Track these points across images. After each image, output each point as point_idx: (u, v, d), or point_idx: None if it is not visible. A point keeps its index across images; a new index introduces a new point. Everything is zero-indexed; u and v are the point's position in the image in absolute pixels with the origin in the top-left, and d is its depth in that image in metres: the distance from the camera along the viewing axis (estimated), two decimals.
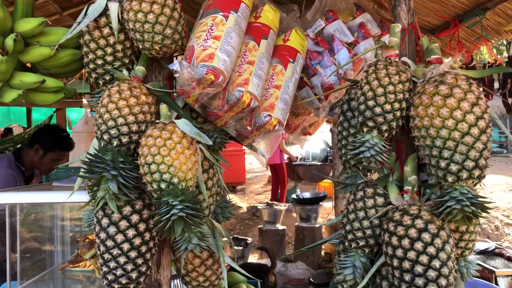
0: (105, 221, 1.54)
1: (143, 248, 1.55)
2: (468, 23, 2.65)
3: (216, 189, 1.74)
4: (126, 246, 1.52)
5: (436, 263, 1.35)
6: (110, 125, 1.52)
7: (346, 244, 1.61)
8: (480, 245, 4.47)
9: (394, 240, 1.42)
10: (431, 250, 1.37)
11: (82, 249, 2.30)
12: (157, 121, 1.58)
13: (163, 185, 1.42)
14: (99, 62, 1.65)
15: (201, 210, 1.53)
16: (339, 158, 1.76)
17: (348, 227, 1.60)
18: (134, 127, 1.54)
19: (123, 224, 1.53)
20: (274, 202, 7.13)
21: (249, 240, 5.77)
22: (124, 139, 1.52)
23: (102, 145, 1.54)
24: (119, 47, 1.65)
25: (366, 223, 1.55)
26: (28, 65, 1.85)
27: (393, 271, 1.43)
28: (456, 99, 1.39)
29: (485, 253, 4.38)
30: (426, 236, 1.38)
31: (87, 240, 2.32)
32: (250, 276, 2.09)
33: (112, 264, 1.52)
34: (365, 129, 1.52)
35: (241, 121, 1.73)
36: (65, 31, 1.74)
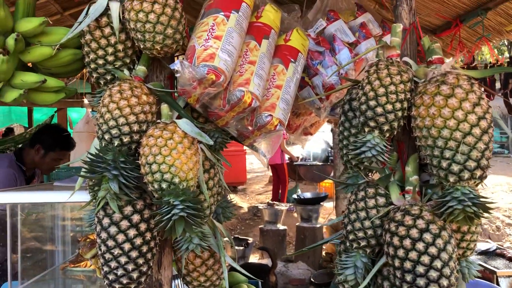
0: (106, 221, 1.54)
1: (144, 248, 1.55)
2: (469, 23, 2.64)
3: (217, 189, 1.74)
4: (127, 246, 1.52)
5: (437, 264, 1.35)
6: (111, 125, 1.51)
7: (348, 244, 1.61)
8: (481, 246, 4.46)
9: (396, 240, 1.42)
10: (432, 250, 1.36)
11: (83, 249, 2.30)
12: (158, 121, 1.58)
13: (164, 185, 1.42)
14: (100, 61, 1.65)
15: (202, 210, 1.53)
16: (340, 158, 1.76)
17: (349, 227, 1.59)
18: (135, 127, 1.53)
19: (124, 224, 1.53)
20: (275, 202, 7.13)
21: (250, 240, 5.77)
22: (125, 139, 1.52)
23: (103, 144, 1.54)
24: (120, 46, 1.65)
25: (367, 223, 1.55)
26: (29, 64, 1.85)
27: (394, 271, 1.43)
28: (457, 99, 1.39)
29: (486, 254, 4.37)
30: (427, 236, 1.38)
31: (88, 240, 2.32)
32: (251, 276, 2.09)
33: (113, 264, 1.52)
34: (366, 129, 1.52)
35: (242, 121, 1.72)
36: (66, 30, 1.74)
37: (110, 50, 1.64)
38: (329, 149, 11.39)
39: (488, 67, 3.78)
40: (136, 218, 1.55)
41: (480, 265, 3.91)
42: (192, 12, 2.95)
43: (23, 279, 2.48)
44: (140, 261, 1.54)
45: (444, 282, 1.34)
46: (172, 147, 1.45)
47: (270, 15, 1.83)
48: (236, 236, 6.33)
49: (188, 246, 1.63)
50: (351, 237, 1.59)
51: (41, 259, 2.93)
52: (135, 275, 1.53)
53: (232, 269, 2.93)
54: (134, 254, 1.53)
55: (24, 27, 1.70)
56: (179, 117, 1.60)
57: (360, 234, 1.56)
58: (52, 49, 1.71)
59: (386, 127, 1.49)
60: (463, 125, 1.36)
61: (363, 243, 1.56)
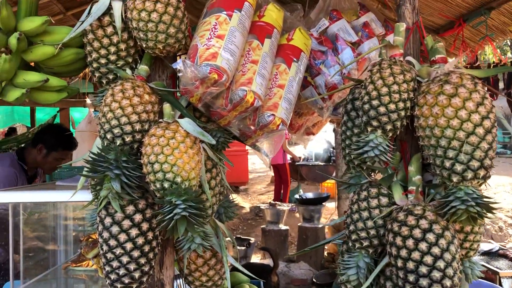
0: (108, 220, 1.54)
1: (146, 248, 1.55)
2: (472, 22, 2.64)
3: (219, 189, 1.74)
4: (129, 246, 1.52)
5: (440, 264, 1.34)
6: (113, 124, 1.51)
7: (350, 244, 1.60)
8: (484, 246, 4.45)
9: (398, 241, 1.41)
10: (435, 250, 1.36)
11: (85, 249, 2.31)
12: (160, 120, 1.58)
13: (166, 184, 1.42)
14: (103, 61, 1.65)
15: (204, 209, 1.52)
16: (342, 158, 1.76)
17: (351, 227, 1.59)
18: (137, 126, 1.53)
19: (126, 223, 1.53)
20: (277, 202, 7.12)
21: (252, 240, 5.77)
22: (127, 138, 1.52)
23: (105, 144, 1.54)
24: (122, 46, 1.65)
25: (370, 223, 1.55)
26: (32, 64, 1.85)
27: (397, 271, 1.42)
28: (461, 98, 1.38)
29: (489, 254, 4.36)
30: (430, 237, 1.37)
31: (90, 239, 2.32)
32: (253, 276, 2.08)
33: (115, 264, 1.52)
34: (369, 129, 1.51)
35: (245, 120, 1.72)
36: (68, 30, 1.74)
37: (112, 49, 1.64)
38: (331, 149, 11.37)
39: (492, 67, 3.77)
40: (138, 217, 1.55)
41: (482, 265, 3.90)
42: (195, 12, 2.95)
43: (25, 279, 2.48)
44: (142, 260, 1.54)
45: (447, 282, 1.34)
46: (174, 147, 1.45)
47: (273, 14, 1.82)
48: (238, 236, 6.33)
49: (190, 246, 1.62)
50: (353, 237, 1.58)
51: (43, 259, 2.93)
52: (137, 274, 1.53)
53: (234, 269, 2.92)
54: (136, 253, 1.52)
55: (26, 26, 1.70)
56: (181, 117, 1.60)
57: (363, 234, 1.56)
58: (54, 48, 1.71)
59: (389, 127, 1.48)
60: (466, 124, 1.36)
61: (365, 243, 1.56)
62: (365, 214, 1.56)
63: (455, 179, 1.37)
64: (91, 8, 1.64)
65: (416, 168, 1.56)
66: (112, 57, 1.65)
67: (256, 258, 6.19)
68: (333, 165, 10.02)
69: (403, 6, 1.72)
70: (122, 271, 1.52)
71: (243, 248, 5.49)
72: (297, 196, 7.52)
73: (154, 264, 1.62)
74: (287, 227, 6.57)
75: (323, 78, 2.09)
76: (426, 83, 1.49)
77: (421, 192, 1.54)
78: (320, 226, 6.27)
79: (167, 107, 1.59)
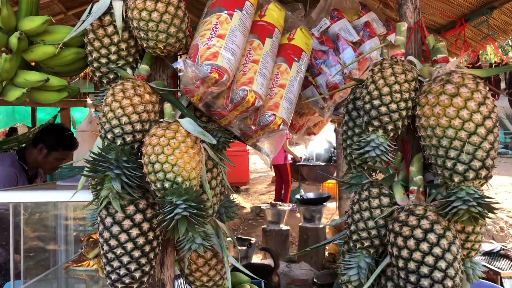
0: (108, 220, 1.54)
1: (147, 248, 1.54)
2: (474, 22, 2.63)
3: (220, 189, 1.73)
4: (129, 246, 1.51)
5: (442, 264, 1.34)
6: (114, 124, 1.51)
7: (351, 244, 1.60)
8: (485, 247, 4.44)
9: (400, 241, 1.41)
10: (437, 251, 1.35)
11: (85, 249, 2.30)
12: (161, 120, 1.57)
13: (166, 184, 1.42)
14: (103, 60, 1.65)
15: (205, 209, 1.52)
16: (343, 158, 1.75)
17: (353, 228, 1.59)
18: (138, 126, 1.53)
19: (127, 223, 1.53)
20: (278, 203, 7.12)
21: (253, 240, 5.77)
22: (128, 138, 1.52)
23: (106, 144, 1.54)
24: (123, 45, 1.64)
25: (371, 223, 1.54)
26: (32, 63, 1.84)
27: (398, 272, 1.42)
28: (462, 98, 1.37)
29: (490, 255, 4.35)
30: (432, 237, 1.37)
31: (90, 239, 2.32)
32: (254, 276, 2.07)
33: (115, 264, 1.52)
34: (370, 129, 1.51)
35: (245, 120, 1.72)
36: (69, 29, 1.73)
37: (113, 49, 1.64)
38: (332, 149, 11.36)
39: (493, 67, 3.76)
40: (138, 217, 1.54)
41: (484, 266, 3.89)
42: (195, 11, 2.95)
43: (26, 279, 2.48)
44: (143, 260, 1.53)
45: (449, 283, 1.33)
46: (175, 146, 1.44)
47: (274, 14, 1.82)
48: (239, 236, 6.33)
49: (191, 246, 1.62)
50: (354, 237, 1.58)
51: (44, 259, 2.93)
52: (137, 274, 1.53)
53: (234, 269, 2.92)
54: (136, 253, 1.52)
55: (27, 26, 1.69)
56: (182, 116, 1.59)
57: (364, 235, 1.55)
58: (55, 48, 1.71)
59: (390, 127, 1.48)
60: (468, 124, 1.35)
61: (366, 244, 1.55)
62: (366, 214, 1.56)
63: (456, 179, 1.37)
64: (91, 7, 1.64)
65: (417, 168, 1.55)
66: (113, 57, 1.64)
67: (257, 258, 6.19)
68: (334, 165, 10.02)
69: (404, 6, 1.72)
70: (122, 271, 1.51)
71: (244, 248, 5.49)
72: (298, 196, 7.52)
73: (155, 264, 1.62)
74: (288, 227, 6.57)
75: (324, 78, 2.09)
76: (427, 83, 1.48)
77: (423, 192, 1.54)
78: (321, 226, 6.27)
79: (167, 106, 1.59)
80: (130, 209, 1.54)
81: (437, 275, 1.34)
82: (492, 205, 1.34)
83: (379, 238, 1.54)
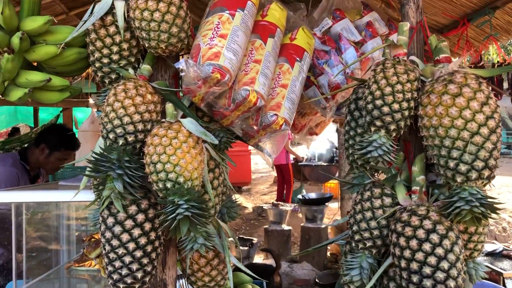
0: (110, 220, 1.54)
1: (149, 248, 1.54)
2: (477, 22, 2.62)
3: (222, 189, 1.73)
4: (131, 246, 1.51)
5: (444, 265, 1.34)
6: (116, 124, 1.51)
7: (353, 244, 1.60)
8: (487, 247, 4.43)
9: (402, 241, 1.41)
10: (439, 251, 1.35)
11: (87, 249, 2.31)
12: (163, 120, 1.57)
13: (168, 184, 1.42)
14: (105, 60, 1.65)
15: (207, 209, 1.52)
16: (345, 158, 1.75)
17: (355, 228, 1.58)
18: (140, 126, 1.53)
19: (129, 223, 1.53)
20: (280, 203, 7.12)
21: (255, 240, 5.76)
22: (130, 138, 1.52)
23: (108, 144, 1.54)
24: (125, 45, 1.64)
25: (373, 223, 1.54)
26: (34, 63, 1.85)
27: (400, 272, 1.41)
28: (465, 98, 1.37)
29: (493, 255, 4.34)
30: (434, 237, 1.36)
31: (92, 239, 2.32)
32: (256, 277, 2.07)
33: (117, 264, 1.52)
34: (372, 129, 1.50)
35: (247, 120, 1.72)
36: (71, 29, 1.74)
37: (115, 49, 1.64)
38: (334, 149, 11.35)
39: (496, 67, 3.75)
40: (140, 217, 1.54)
41: (486, 266, 3.88)
42: (197, 12, 2.95)
43: (28, 278, 2.49)
44: (145, 260, 1.53)
45: (451, 283, 1.33)
46: (177, 147, 1.44)
47: (276, 13, 1.82)
48: (241, 236, 6.33)
49: (193, 246, 1.62)
50: (357, 237, 1.57)
51: (46, 258, 2.93)
52: (139, 274, 1.52)
53: (236, 269, 2.92)
54: (138, 253, 1.52)
55: (29, 26, 1.70)
56: (184, 116, 1.59)
57: (366, 235, 1.55)
58: (57, 48, 1.71)
59: (392, 127, 1.47)
60: (470, 124, 1.35)
61: (369, 244, 1.55)
62: (368, 214, 1.55)
63: (459, 179, 1.36)
64: (93, 7, 1.64)
65: (419, 168, 1.55)
66: (115, 57, 1.64)
67: (258, 259, 6.19)
68: (336, 165, 10.01)
69: (406, 6, 1.72)
70: (124, 271, 1.51)
71: (246, 248, 5.49)
72: (300, 196, 7.51)
73: (157, 264, 1.62)
74: (290, 227, 6.56)
75: (326, 78, 2.09)
76: (430, 83, 1.48)
77: (425, 192, 1.54)
78: (323, 226, 6.27)
79: (169, 106, 1.59)
80: (132, 209, 1.54)
81: (440, 275, 1.33)
82: (494, 205, 1.33)
83: (381, 238, 1.54)
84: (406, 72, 1.49)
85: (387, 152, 1.50)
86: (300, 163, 10.24)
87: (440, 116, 1.39)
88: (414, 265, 1.37)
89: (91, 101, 5.46)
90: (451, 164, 1.37)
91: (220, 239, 1.76)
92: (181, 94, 1.69)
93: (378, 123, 1.48)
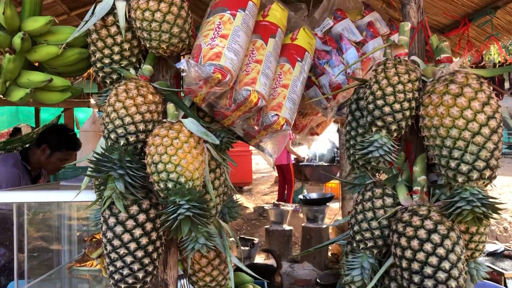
0: (112, 220, 1.54)
1: (150, 248, 1.55)
2: (478, 22, 2.62)
3: (223, 189, 1.73)
4: (132, 246, 1.52)
5: (446, 265, 1.33)
6: (117, 124, 1.51)
7: (354, 245, 1.60)
8: (488, 247, 4.42)
9: (403, 241, 1.40)
10: (440, 251, 1.35)
11: (89, 249, 2.31)
12: (164, 120, 1.57)
13: (170, 185, 1.42)
14: (106, 61, 1.65)
15: (208, 209, 1.52)
16: (346, 159, 1.75)
17: (356, 228, 1.58)
18: (141, 126, 1.53)
19: (130, 223, 1.53)
20: (281, 203, 7.12)
21: (256, 240, 5.76)
22: (131, 138, 1.52)
23: (109, 144, 1.54)
24: (126, 46, 1.65)
25: (374, 223, 1.54)
26: (36, 64, 1.85)
27: (402, 272, 1.41)
28: (466, 98, 1.37)
29: (494, 255, 4.33)
30: (435, 237, 1.36)
31: (94, 239, 2.32)
32: (257, 277, 2.08)
33: (118, 264, 1.52)
34: (373, 129, 1.50)
35: (248, 120, 1.72)
36: (72, 30, 1.74)
37: (116, 49, 1.64)
38: (335, 149, 11.35)
39: (497, 67, 3.75)
40: (142, 217, 1.54)
41: (488, 266, 3.87)
42: (198, 11, 2.95)
43: (30, 278, 2.49)
44: (146, 260, 1.53)
45: (453, 283, 1.32)
46: (178, 147, 1.44)
47: (277, 14, 1.82)
48: (242, 236, 6.33)
49: (194, 246, 1.62)
50: (358, 237, 1.57)
51: (48, 258, 2.94)
52: (140, 274, 1.53)
53: (237, 269, 2.92)
54: (139, 253, 1.52)
55: (30, 26, 1.70)
56: (185, 117, 1.59)
57: (367, 235, 1.55)
58: (58, 48, 1.71)
59: (393, 127, 1.47)
60: (472, 124, 1.35)
61: (370, 244, 1.55)
62: (369, 214, 1.55)
63: (460, 179, 1.36)
64: (95, 8, 1.64)
65: (421, 168, 1.55)
66: (116, 57, 1.65)
67: (259, 259, 6.19)
68: (337, 165, 10.00)
69: (408, 6, 1.71)
70: (126, 271, 1.51)
71: (247, 248, 5.49)
72: (301, 196, 7.51)
73: (158, 264, 1.62)
74: (291, 228, 6.56)
75: (328, 78, 2.09)
76: (431, 83, 1.48)
77: (426, 192, 1.53)
78: (324, 226, 6.27)
79: (170, 107, 1.59)
80: (133, 209, 1.54)
81: (441, 275, 1.33)
82: (496, 205, 1.33)
83: (382, 238, 1.54)
84: (407, 72, 1.49)
85: (388, 152, 1.50)
86: (301, 163, 10.24)
87: (441, 116, 1.39)
88: (416, 265, 1.37)
89: (92, 101, 5.47)
90: (452, 164, 1.37)
91: (221, 239, 1.76)
92: (182, 94, 1.70)
93: (379, 123, 1.48)
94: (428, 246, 1.36)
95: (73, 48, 1.77)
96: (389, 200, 1.55)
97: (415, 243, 1.38)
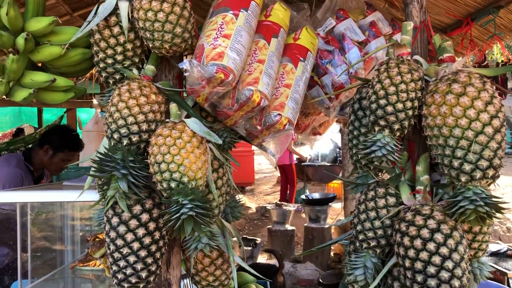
0: (115, 220, 1.54)
1: (153, 247, 1.55)
2: (481, 21, 2.61)
3: (225, 189, 1.74)
4: (136, 245, 1.52)
5: (449, 264, 1.33)
6: (120, 124, 1.52)
7: (357, 244, 1.60)
8: (492, 247, 4.41)
9: (406, 241, 1.40)
10: (444, 250, 1.35)
11: (92, 248, 2.31)
12: (167, 120, 1.58)
13: (173, 184, 1.42)
14: (109, 61, 1.65)
15: (211, 209, 1.52)
16: (349, 158, 1.75)
17: (359, 227, 1.58)
18: (144, 126, 1.53)
19: (133, 223, 1.53)
20: (283, 203, 7.11)
21: (258, 240, 5.76)
22: (134, 138, 1.52)
23: (112, 144, 1.54)
24: (129, 46, 1.65)
25: (377, 223, 1.54)
26: (39, 64, 1.85)
27: (405, 271, 1.41)
28: (469, 97, 1.37)
29: (497, 255, 4.32)
30: (438, 237, 1.36)
31: (97, 239, 2.33)
32: (260, 276, 2.08)
33: (121, 263, 1.52)
34: (376, 128, 1.50)
35: (251, 120, 1.72)
36: (75, 30, 1.74)
37: (119, 49, 1.64)
38: (338, 149, 11.33)
39: (500, 66, 3.74)
40: (145, 217, 1.55)
41: (491, 266, 3.86)
42: (201, 12, 2.95)
43: (33, 278, 2.49)
44: (149, 260, 1.54)
45: (456, 283, 1.32)
46: (181, 146, 1.45)
47: (279, 13, 1.82)
48: (244, 236, 6.33)
49: (197, 246, 1.62)
50: (361, 237, 1.57)
51: (51, 258, 2.94)
52: (143, 274, 1.53)
53: (240, 269, 2.92)
54: (143, 253, 1.52)
55: (34, 27, 1.70)
56: (187, 116, 1.60)
57: (370, 234, 1.55)
58: (61, 49, 1.72)
59: (396, 126, 1.47)
60: (475, 124, 1.35)
61: (373, 243, 1.55)
62: (372, 214, 1.55)
63: (463, 178, 1.36)
64: (97, 8, 1.64)
65: (423, 168, 1.55)
66: (119, 57, 1.65)
67: (262, 259, 6.19)
68: (339, 165, 9.99)
69: (410, 5, 1.71)
70: (129, 271, 1.52)
71: (249, 248, 5.49)
72: (303, 196, 7.51)
73: (161, 263, 1.62)
74: (293, 228, 6.56)
75: (330, 78, 2.09)
76: (434, 82, 1.48)
77: (429, 192, 1.53)
78: (326, 226, 6.26)
79: (173, 107, 1.59)
80: (137, 208, 1.55)
81: (444, 275, 1.33)
82: (499, 205, 1.33)
83: (385, 238, 1.54)
84: (410, 72, 1.49)
85: (391, 152, 1.49)
86: (303, 163, 10.24)
87: (444, 116, 1.39)
88: (419, 265, 1.37)
89: (95, 101, 5.47)
90: (456, 163, 1.37)
91: (224, 239, 1.76)
92: (185, 94, 1.70)
93: (382, 122, 1.48)
94: (431, 246, 1.36)
95: (76, 48, 1.77)
96: (392, 200, 1.54)
97: (418, 242, 1.38)
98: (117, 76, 1.68)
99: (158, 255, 1.57)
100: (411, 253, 1.39)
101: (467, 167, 1.35)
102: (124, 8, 1.62)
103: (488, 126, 1.34)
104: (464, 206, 1.33)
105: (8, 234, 2.70)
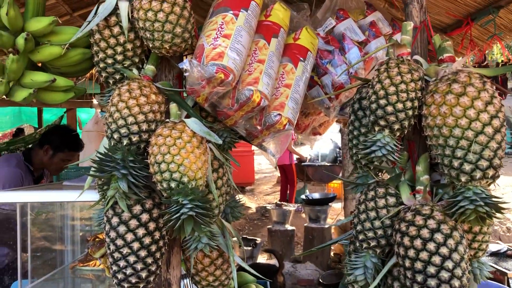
0: (115, 220, 1.54)
1: (153, 247, 1.55)
2: (481, 21, 2.61)
3: (225, 189, 1.74)
4: (136, 245, 1.52)
5: (449, 264, 1.33)
6: (120, 124, 1.52)
7: (357, 244, 1.60)
8: (492, 247, 4.41)
9: (406, 241, 1.40)
10: (444, 250, 1.35)
11: (92, 248, 2.31)
12: (167, 120, 1.58)
13: (173, 184, 1.42)
14: (109, 61, 1.65)
15: (211, 209, 1.52)
16: (349, 158, 1.75)
17: (359, 227, 1.58)
18: (144, 126, 1.53)
19: (133, 223, 1.53)
20: (283, 203, 7.11)
21: (258, 240, 5.76)
22: (134, 138, 1.52)
23: (112, 144, 1.54)
24: (129, 46, 1.65)
25: (377, 223, 1.54)
26: (39, 64, 1.85)
27: (405, 271, 1.41)
28: (469, 97, 1.37)
29: (497, 255, 4.32)
30: (438, 237, 1.36)
31: (97, 239, 2.33)
32: (260, 276, 2.08)
33: (121, 263, 1.52)
34: (376, 128, 1.50)
35: (251, 120, 1.72)
36: (75, 30, 1.74)
37: (119, 49, 1.64)
38: (338, 149, 11.33)
39: (500, 66, 3.74)
40: (145, 217, 1.55)
41: (491, 266, 3.86)
42: (201, 12, 2.95)
43: (33, 278, 2.49)
44: (149, 260, 1.54)
45: (456, 283, 1.32)
46: (181, 146, 1.45)
47: (279, 13, 1.82)
48: (244, 236, 6.33)
49: (197, 246, 1.62)
50: (361, 237, 1.57)
51: (51, 258, 2.94)
52: (143, 274, 1.53)
53: (240, 269, 2.92)
54: (143, 253, 1.52)
55: (34, 27, 1.70)
56: (187, 116, 1.60)
57: (370, 234, 1.55)
58: (61, 49, 1.72)
59: (396, 126, 1.47)
60: (475, 124, 1.35)
61: (373, 243, 1.55)
62: (372, 214, 1.55)
63: (463, 178, 1.36)
64: (97, 8, 1.64)
65: (423, 168, 1.55)
66: (119, 57, 1.65)
67: (262, 259, 6.19)
68: (339, 165, 9.99)
69: (410, 5, 1.71)
70: (129, 271, 1.52)
71: (249, 248, 5.49)
72: (303, 196, 7.50)
73: (161, 263, 1.62)
74: (293, 228, 6.56)
75: (330, 78, 2.09)
76: (434, 82, 1.48)
77: (429, 192, 1.53)
78: (326, 226, 6.26)
79: (173, 107, 1.59)
80: (137, 208, 1.55)
81: (444, 275, 1.33)
82: (499, 205, 1.33)
83: (385, 238, 1.54)
84: (410, 72, 1.49)
85: (391, 152, 1.49)
86: (303, 163, 10.24)
87: (444, 116, 1.39)
88: (419, 265, 1.37)
89: (95, 101, 5.47)
90: (456, 163, 1.37)
91: (224, 239, 1.76)
92: (185, 94, 1.70)
93: (382, 122, 1.48)
94: (431, 246, 1.36)
95: (76, 48, 1.77)
96: (392, 200, 1.55)
97: (418, 242, 1.38)
98: (117, 76, 1.68)
99: (158, 255, 1.57)
100: (411, 253, 1.39)
101: (467, 167, 1.35)
102: (124, 8, 1.62)
103: (488, 126, 1.34)
104: (464, 206, 1.34)
105: (8, 234, 2.70)
